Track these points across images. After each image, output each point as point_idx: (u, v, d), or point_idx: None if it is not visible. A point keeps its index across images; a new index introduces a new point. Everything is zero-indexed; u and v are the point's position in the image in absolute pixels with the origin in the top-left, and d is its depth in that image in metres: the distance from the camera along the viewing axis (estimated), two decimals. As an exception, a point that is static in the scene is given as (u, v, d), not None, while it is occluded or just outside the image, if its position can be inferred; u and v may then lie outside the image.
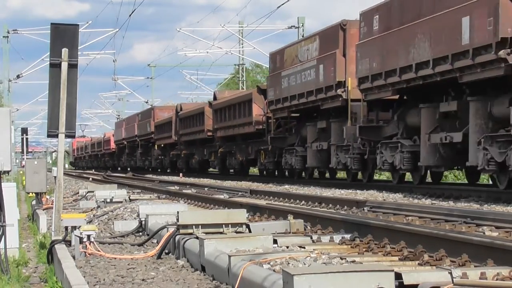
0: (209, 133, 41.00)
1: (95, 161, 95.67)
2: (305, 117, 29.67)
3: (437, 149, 19.97)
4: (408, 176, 24.45)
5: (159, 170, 56.42)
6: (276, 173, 34.76)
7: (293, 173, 32.10)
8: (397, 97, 22.90)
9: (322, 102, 26.60)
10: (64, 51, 12.04)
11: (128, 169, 63.59)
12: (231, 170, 41.74)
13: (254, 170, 41.75)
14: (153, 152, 56.23)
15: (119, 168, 73.82)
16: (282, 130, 31.87)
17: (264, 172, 35.01)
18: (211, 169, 49.56)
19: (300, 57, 28.91)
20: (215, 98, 42.31)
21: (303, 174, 31.42)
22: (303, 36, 44.30)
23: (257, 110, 33.58)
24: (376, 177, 33.31)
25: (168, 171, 54.47)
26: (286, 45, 31.29)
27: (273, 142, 31.69)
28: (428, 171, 23.46)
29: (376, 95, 22.95)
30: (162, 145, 53.11)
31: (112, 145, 75.31)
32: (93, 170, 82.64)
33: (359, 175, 26.81)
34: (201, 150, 44.43)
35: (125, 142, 66.34)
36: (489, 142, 17.28)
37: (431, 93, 20.69)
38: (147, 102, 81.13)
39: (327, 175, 32.39)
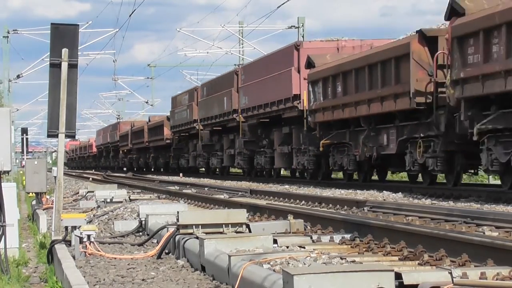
0: (146, 143, 61.10)
1: (82, 162, 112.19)
2: (187, 136, 49.79)
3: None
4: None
5: (124, 169, 72.63)
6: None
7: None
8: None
9: (191, 131, 47.50)
10: (64, 51, 12.03)
11: (135, 169, 67.11)
12: (161, 169, 61.33)
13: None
14: (119, 156, 75.21)
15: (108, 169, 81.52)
16: (181, 144, 51.35)
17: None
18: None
19: (182, 103, 50.15)
20: (149, 120, 63.19)
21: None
22: (303, 37, 49.22)
23: (167, 131, 53.72)
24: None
25: (124, 169, 71.90)
26: (177, 94, 53.66)
27: (174, 151, 52.77)
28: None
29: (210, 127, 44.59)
30: (125, 150, 71.62)
31: (94, 149, 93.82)
32: (93, 170, 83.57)
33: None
34: (144, 154, 64.70)
35: (102, 147, 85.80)
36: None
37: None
38: (147, 102, 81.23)
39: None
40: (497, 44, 16.89)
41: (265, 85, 32.43)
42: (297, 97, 28.80)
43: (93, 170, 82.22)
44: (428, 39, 20.11)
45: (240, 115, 36.23)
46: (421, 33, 20.25)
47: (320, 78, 26.24)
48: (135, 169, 66.90)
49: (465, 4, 18.37)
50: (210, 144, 43.21)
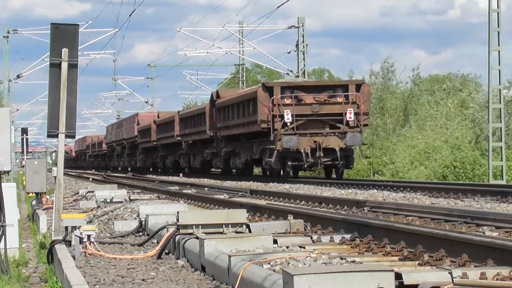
0: (97, 152, 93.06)
1: (66, 163, 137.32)
2: (113, 149, 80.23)
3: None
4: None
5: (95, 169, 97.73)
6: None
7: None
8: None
9: (113, 146, 78.52)
10: (64, 51, 12.03)
11: (129, 169, 69.59)
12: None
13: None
14: (86, 159, 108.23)
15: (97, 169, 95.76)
16: (111, 153, 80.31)
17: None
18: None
19: (109, 131, 79.43)
20: (98, 138, 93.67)
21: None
22: (303, 36, 49.79)
23: (104, 146, 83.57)
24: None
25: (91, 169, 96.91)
26: (109, 124, 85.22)
27: (108, 157, 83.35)
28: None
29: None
30: (88, 155, 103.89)
31: (73, 154, 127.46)
32: (93, 170, 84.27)
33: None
34: (97, 159, 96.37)
35: (78, 152, 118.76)
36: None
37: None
38: (147, 102, 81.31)
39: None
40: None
41: (128, 129, 66.94)
42: (136, 136, 62.73)
43: (86, 170, 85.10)
44: (268, 88, 32.22)
45: (125, 141, 69.46)
46: (263, 85, 32.70)
47: (142, 129, 61.34)
48: (93, 169, 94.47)
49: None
50: (121, 153, 73.13)
